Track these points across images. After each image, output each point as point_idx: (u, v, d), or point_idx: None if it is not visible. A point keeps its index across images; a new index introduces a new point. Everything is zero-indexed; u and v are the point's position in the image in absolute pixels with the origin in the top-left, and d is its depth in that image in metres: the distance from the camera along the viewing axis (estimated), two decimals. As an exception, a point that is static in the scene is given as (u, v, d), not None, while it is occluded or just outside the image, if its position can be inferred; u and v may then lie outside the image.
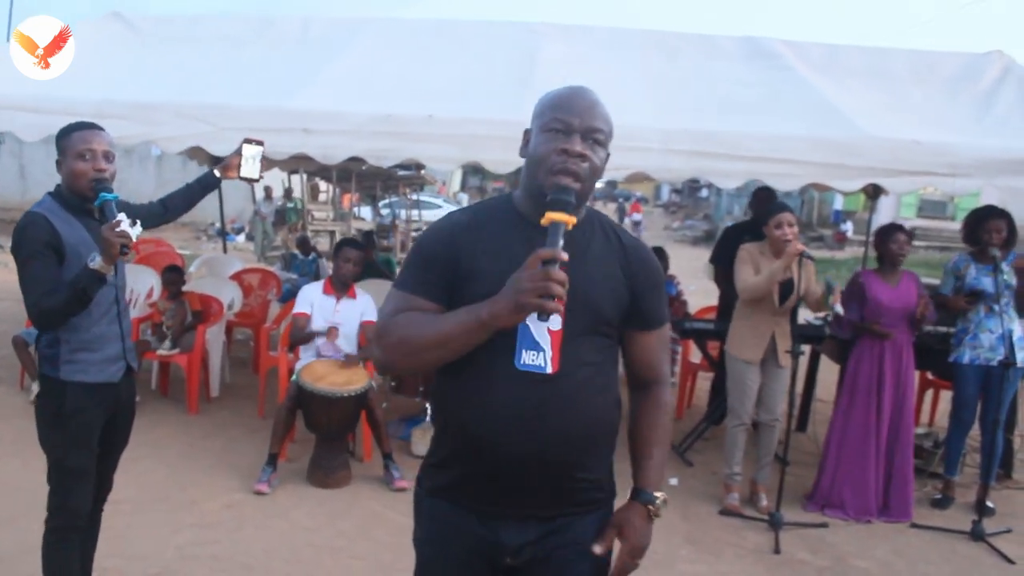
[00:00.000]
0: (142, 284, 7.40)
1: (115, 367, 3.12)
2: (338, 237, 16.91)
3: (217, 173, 3.66)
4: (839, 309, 4.93)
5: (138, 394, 6.05)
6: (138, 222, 2.79)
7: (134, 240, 2.75)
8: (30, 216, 2.92)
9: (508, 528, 1.96)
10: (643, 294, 2.00)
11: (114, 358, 3.12)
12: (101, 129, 3.04)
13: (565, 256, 1.67)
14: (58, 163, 3.01)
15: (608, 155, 1.94)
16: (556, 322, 1.82)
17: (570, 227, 1.74)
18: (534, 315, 1.74)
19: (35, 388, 5.86)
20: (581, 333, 1.88)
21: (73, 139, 2.95)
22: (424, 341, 1.85)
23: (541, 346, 1.84)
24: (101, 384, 3.07)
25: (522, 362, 1.84)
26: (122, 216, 2.75)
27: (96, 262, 2.77)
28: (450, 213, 2.09)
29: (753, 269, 4.98)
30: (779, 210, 4.96)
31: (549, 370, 1.84)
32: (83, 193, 2.95)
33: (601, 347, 1.95)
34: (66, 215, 2.96)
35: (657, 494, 2.01)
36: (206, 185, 3.66)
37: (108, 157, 2.98)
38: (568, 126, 1.85)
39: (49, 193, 3.04)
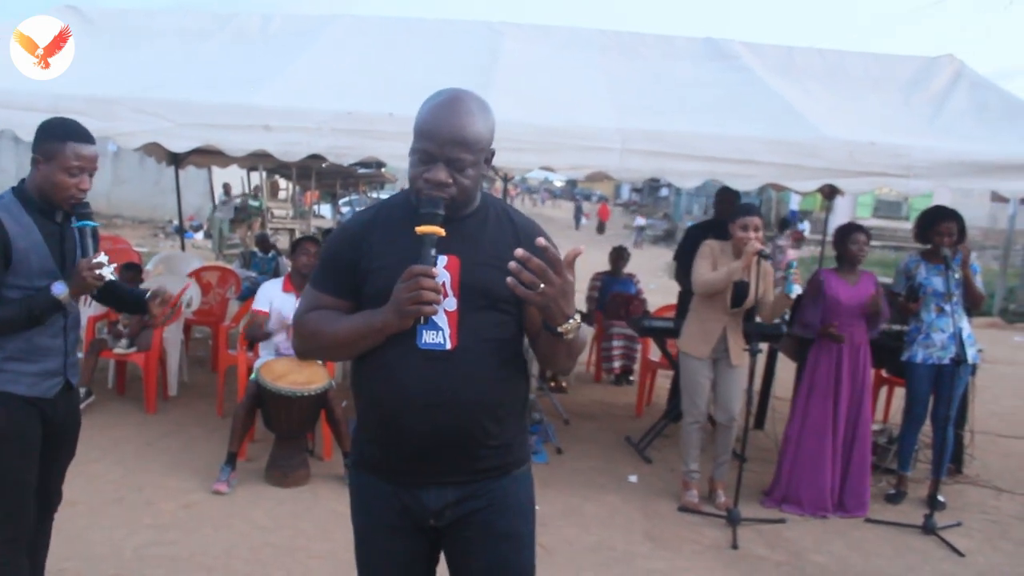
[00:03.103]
0: (98, 282, 7.29)
1: (51, 383, 2.90)
2: (297, 235, 16.84)
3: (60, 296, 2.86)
4: (796, 289, 4.91)
5: (93, 394, 6.00)
6: (112, 265, 2.79)
7: (106, 280, 2.76)
8: None
9: (429, 493, 2.11)
10: None
11: (51, 373, 2.90)
12: (93, 141, 2.84)
13: (435, 271, 1.91)
14: (35, 162, 2.79)
15: (488, 156, 2.07)
16: (451, 303, 2.02)
17: (442, 234, 1.93)
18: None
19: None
20: (477, 311, 2.04)
21: (66, 150, 2.73)
22: (331, 340, 2.09)
23: (439, 326, 2.03)
24: (34, 398, 2.85)
25: (423, 341, 2.02)
26: (103, 257, 2.70)
27: (62, 293, 2.73)
28: (356, 212, 2.27)
29: (712, 264, 5.03)
30: (748, 212, 5.01)
31: (448, 346, 2.02)
32: (56, 204, 2.79)
33: (500, 323, 2.09)
34: (23, 215, 2.76)
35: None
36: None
37: (92, 174, 2.81)
38: (430, 156, 1.98)
39: (12, 188, 2.83)
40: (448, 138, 1.96)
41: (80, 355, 3.07)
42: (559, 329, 1.93)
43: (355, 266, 2.08)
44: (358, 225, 2.18)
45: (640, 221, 36.27)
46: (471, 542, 2.15)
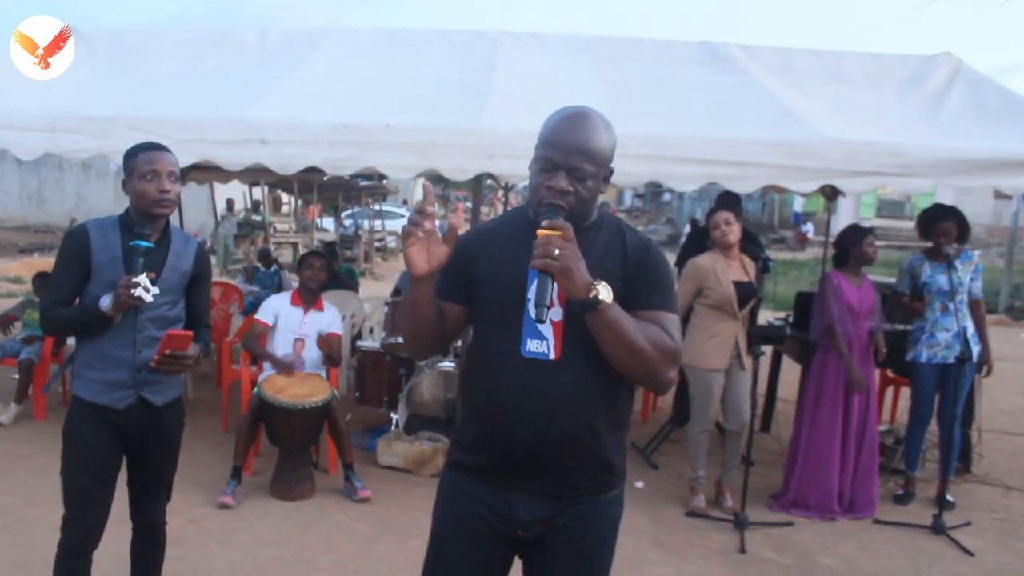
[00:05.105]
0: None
1: (119, 394, 2.98)
2: (301, 249, 16.88)
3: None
4: None
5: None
6: (155, 287, 2.86)
7: (146, 302, 2.84)
8: (76, 226, 3.04)
9: (523, 503, 2.14)
10: (634, 281, 2.12)
11: (117, 384, 2.98)
12: (166, 150, 3.02)
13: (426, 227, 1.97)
14: (124, 183, 3.00)
15: (607, 173, 2.12)
16: (558, 313, 2.04)
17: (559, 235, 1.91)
18: (535, 307, 1.96)
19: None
20: (584, 324, 1.99)
21: (139, 160, 2.94)
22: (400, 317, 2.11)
23: (544, 335, 2.06)
24: (101, 406, 2.98)
25: (527, 350, 2.06)
26: (142, 279, 2.81)
27: (106, 304, 2.85)
28: (480, 223, 2.35)
29: (694, 288, 5.07)
30: (717, 210, 5.18)
31: (552, 356, 2.06)
32: (147, 212, 2.95)
33: None
34: (113, 233, 2.98)
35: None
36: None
37: (172, 178, 2.97)
38: (554, 164, 2.03)
39: (120, 213, 3.06)
40: (572, 147, 2.02)
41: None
42: (590, 296, 1.91)
43: (466, 272, 2.15)
44: (474, 234, 2.29)
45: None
46: (555, 559, 2.19)
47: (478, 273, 2.15)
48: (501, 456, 2.12)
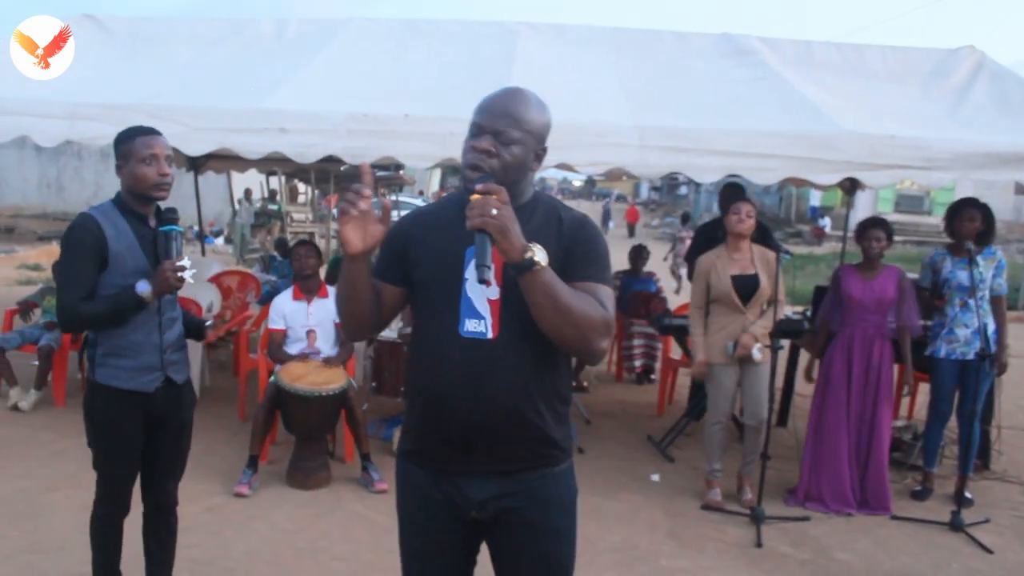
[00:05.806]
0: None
1: (149, 377, 3.08)
2: (317, 239, 16.92)
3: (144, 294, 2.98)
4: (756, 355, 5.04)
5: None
6: (193, 270, 2.99)
7: (188, 284, 3.00)
8: (81, 217, 3.01)
9: (472, 484, 2.15)
10: (569, 253, 2.11)
11: (149, 368, 3.07)
12: (160, 134, 3.05)
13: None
14: (118, 167, 3.03)
15: (539, 150, 2.14)
16: (495, 292, 2.06)
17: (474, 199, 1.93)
18: (476, 287, 2.02)
19: (13, 395, 5.82)
20: (519, 302, 2.01)
21: (136, 144, 2.96)
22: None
23: (482, 314, 2.08)
24: (132, 392, 3.04)
25: (466, 329, 2.08)
26: (187, 262, 2.95)
27: (145, 291, 2.92)
28: (419, 206, 2.34)
29: (704, 284, 5.11)
30: (735, 200, 5.17)
31: (490, 335, 2.07)
32: (146, 195, 3.00)
33: None
34: (119, 220, 3.00)
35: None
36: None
37: (169, 161, 3.02)
38: (480, 128, 2.09)
39: (111, 199, 3.08)
40: (499, 111, 2.07)
41: (177, 355, 3.22)
42: (526, 257, 1.91)
43: (403, 255, 2.17)
44: (411, 217, 2.30)
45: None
46: (514, 537, 2.20)
47: (416, 254, 2.16)
48: (445, 437, 2.13)
